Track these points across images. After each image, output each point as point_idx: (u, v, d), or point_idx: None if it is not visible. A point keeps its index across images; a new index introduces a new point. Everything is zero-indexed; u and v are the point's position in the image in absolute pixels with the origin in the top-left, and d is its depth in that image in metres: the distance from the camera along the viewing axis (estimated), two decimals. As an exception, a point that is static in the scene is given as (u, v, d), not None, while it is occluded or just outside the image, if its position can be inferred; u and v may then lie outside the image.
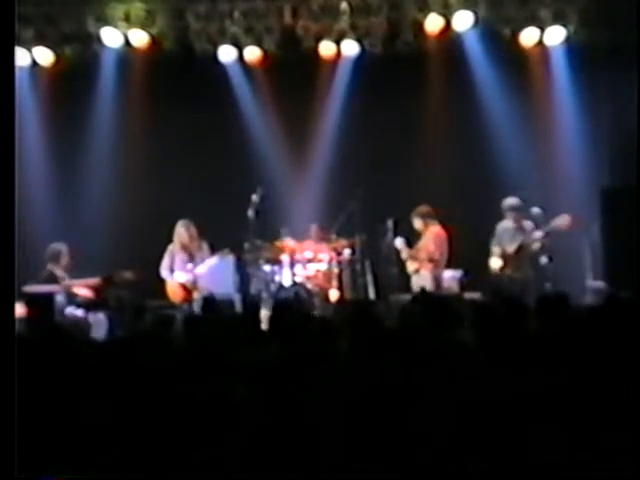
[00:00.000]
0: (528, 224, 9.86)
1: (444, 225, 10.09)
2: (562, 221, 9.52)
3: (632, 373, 3.75)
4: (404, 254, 10.10)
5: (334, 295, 10.56)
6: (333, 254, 10.73)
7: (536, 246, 9.71)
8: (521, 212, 9.83)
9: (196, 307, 9.66)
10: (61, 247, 9.98)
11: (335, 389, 3.82)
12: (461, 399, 3.62)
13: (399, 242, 10.09)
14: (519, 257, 9.77)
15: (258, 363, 4.21)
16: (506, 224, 9.94)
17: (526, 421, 3.51)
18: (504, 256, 9.80)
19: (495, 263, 9.84)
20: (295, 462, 3.30)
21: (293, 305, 6.93)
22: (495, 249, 9.90)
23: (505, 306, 5.77)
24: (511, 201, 9.93)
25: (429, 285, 9.75)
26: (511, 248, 9.78)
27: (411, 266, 10.10)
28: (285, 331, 5.44)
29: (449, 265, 10.15)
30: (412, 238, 10.22)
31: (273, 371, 4.02)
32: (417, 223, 10.12)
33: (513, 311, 5.63)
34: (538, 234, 9.66)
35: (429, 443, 3.37)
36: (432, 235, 10.02)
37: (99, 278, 9.85)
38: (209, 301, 7.27)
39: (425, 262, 9.96)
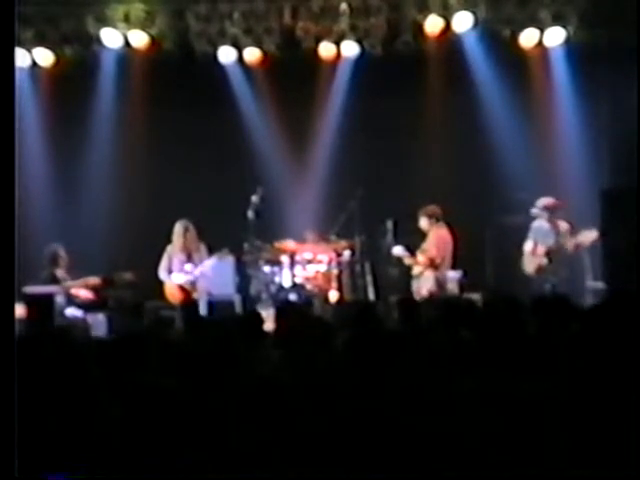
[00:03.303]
0: (563, 225, 9.87)
1: (450, 227, 10.07)
2: (592, 235, 9.59)
3: (632, 373, 3.75)
4: (406, 260, 10.07)
5: (334, 296, 10.56)
6: (333, 255, 10.73)
7: (571, 247, 9.74)
8: (555, 212, 9.84)
9: (193, 308, 9.69)
10: (57, 248, 9.97)
11: (334, 390, 3.82)
12: (460, 399, 3.62)
13: (398, 250, 10.05)
14: (551, 257, 9.78)
15: (259, 364, 4.22)
16: (540, 223, 9.93)
17: (527, 421, 3.51)
18: (530, 256, 9.83)
19: (527, 262, 9.85)
20: (295, 464, 3.30)
21: (297, 307, 6.97)
22: (528, 245, 9.91)
23: (505, 306, 5.78)
24: (545, 201, 9.92)
25: (432, 287, 9.74)
26: (543, 248, 9.79)
27: (415, 269, 10.07)
28: (289, 333, 5.46)
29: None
30: (413, 238, 10.20)
31: (274, 372, 4.02)
32: (423, 222, 10.08)
33: (513, 311, 5.64)
34: (591, 235, 9.66)
35: (428, 444, 3.37)
36: (435, 238, 9.97)
37: (99, 278, 9.85)
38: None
39: (428, 265, 9.92)
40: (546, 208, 9.88)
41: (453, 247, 10.01)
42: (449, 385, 3.81)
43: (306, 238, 11.01)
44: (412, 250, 10.12)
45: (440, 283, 9.87)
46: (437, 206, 10.12)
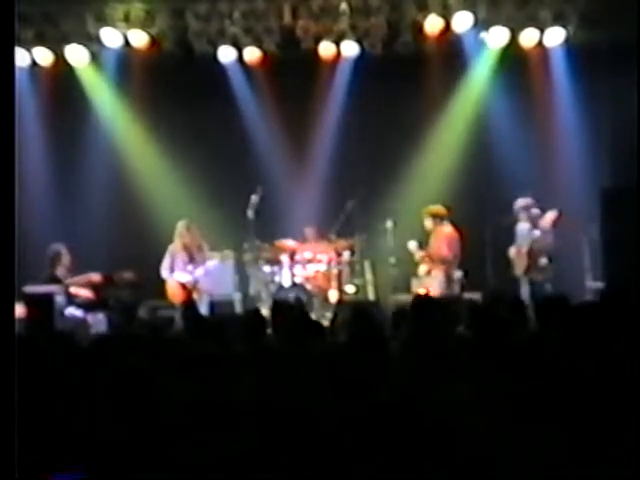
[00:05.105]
0: (543, 223, 9.83)
1: (455, 225, 10.03)
2: (550, 217, 9.60)
3: (631, 372, 3.75)
4: (417, 256, 10.00)
5: (333, 296, 10.56)
6: (332, 255, 10.74)
7: (538, 246, 9.71)
8: (534, 211, 9.81)
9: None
10: (60, 248, 9.96)
11: (335, 390, 3.83)
12: (459, 399, 3.62)
13: (412, 245, 10.01)
14: (532, 258, 9.75)
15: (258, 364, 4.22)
16: (523, 225, 9.92)
17: (523, 421, 3.51)
18: (516, 258, 9.82)
19: (515, 265, 9.85)
20: (294, 464, 3.30)
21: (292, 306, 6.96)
22: (511, 250, 9.90)
23: (504, 307, 5.79)
24: (521, 202, 9.90)
25: (440, 286, 9.69)
26: (525, 248, 9.78)
27: (423, 268, 10.01)
28: (283, 332, 5.47)
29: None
30: (412, 238, 10.18)
31: (272, 372, 4.02)
32: (427, 222, 10.02)
33: (512, 312, 5.64)
34: (536, 233, 9.69)
35: (426, 444, 3.38)
36: (444, 236, 9.90)
37: (100, 274, 9.84)
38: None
39: (438, 264, 9.87)
40: (523, 209, 9.87)
41: (461, 246, 9.96)
42: (449, 385, 3.81)
43: (306, 234, 11.01)
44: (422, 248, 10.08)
45: (449, 282, 9.80)
46: (440, 205, 10.09)
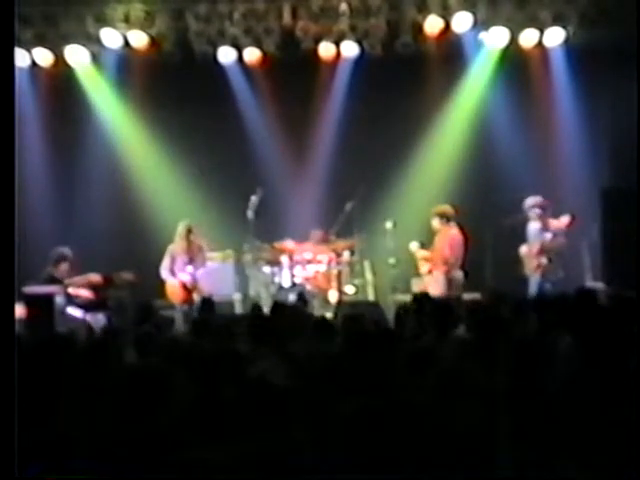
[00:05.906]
0: (554, 222, 9.81)
1: (462, 227, 9.98)
2: (564, 221, 9.60)
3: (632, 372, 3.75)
4: (419, 255, 9.98)
5: (333, 296, 10.56)
6: (332, 255, 10.74)
7: (549, 246, 9.69)
8: (543, 210, 9.78)
9: (195, 308, 9.68)
10: (65, 251, 9.95)
11: (334, 390, 3.83)
12: (458, 398, 3.62)
13: (413, 246, 9.99)
14: (550, 257, 9.72)
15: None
16: (533, 225, 9.89)
17: (524, 420, 3.51)
18: (526, 257, 9.79)
19: (525, 264, 9.81)
20: (295, 464, 3.30)
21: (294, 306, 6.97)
22: (522, 249, 9.87)
23: (504, 307, 5.80)
24: (531, 200, 9.87)
25: (440, 286, 9.66)
26: (536, 247, 9.75)
27: (424, 267, 9.98)
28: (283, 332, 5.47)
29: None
30: (412, 238, 10.18)
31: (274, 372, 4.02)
32: (434, 222, 9.97)
33: (513, 312, 5.65)
34: (547, 235, 9.67)
35: (426, 445, 3.37)
36: (448, 238, 9.86)
37: (100, 275, 9.83)
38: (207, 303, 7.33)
39: (439, 265, 9.84)
40: (533, 207, 9.84)
41: (464, 248, 9.92)
42: (448, 384, 3.81)
43: (311, 237, 10.98)
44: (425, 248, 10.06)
45: (450, 284, 9.76)
46: (449, 205, 10.04)
